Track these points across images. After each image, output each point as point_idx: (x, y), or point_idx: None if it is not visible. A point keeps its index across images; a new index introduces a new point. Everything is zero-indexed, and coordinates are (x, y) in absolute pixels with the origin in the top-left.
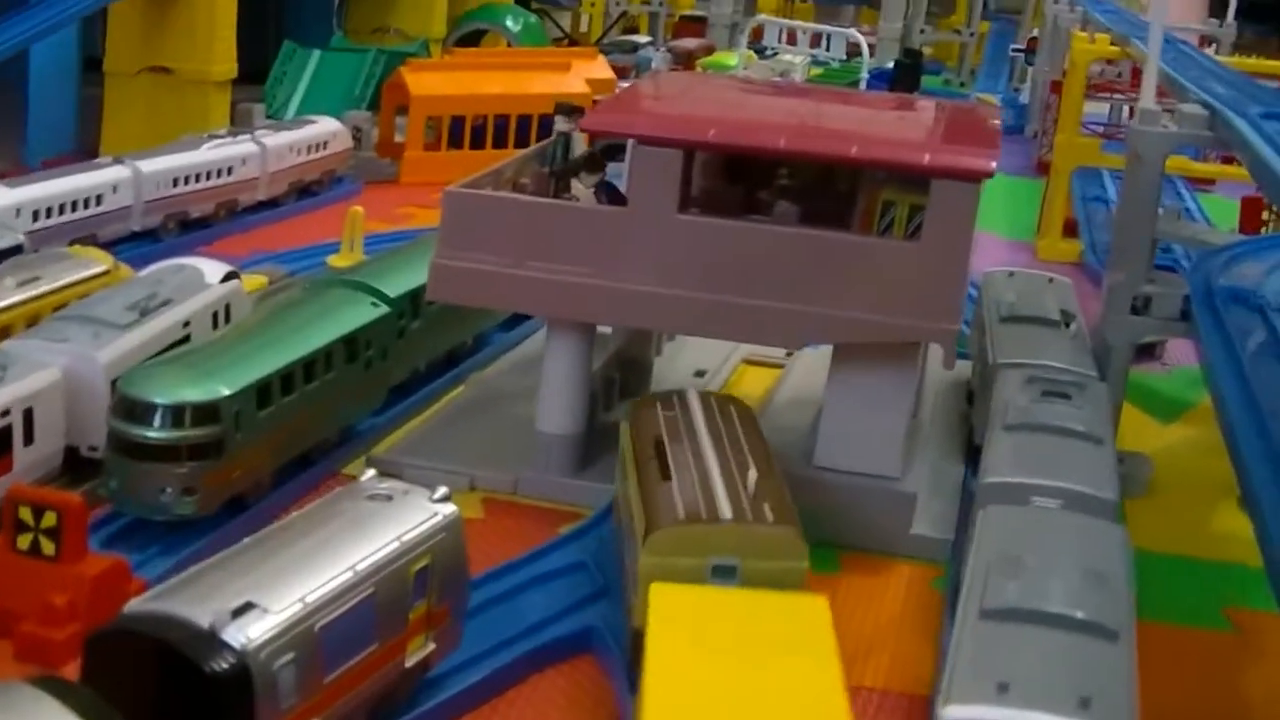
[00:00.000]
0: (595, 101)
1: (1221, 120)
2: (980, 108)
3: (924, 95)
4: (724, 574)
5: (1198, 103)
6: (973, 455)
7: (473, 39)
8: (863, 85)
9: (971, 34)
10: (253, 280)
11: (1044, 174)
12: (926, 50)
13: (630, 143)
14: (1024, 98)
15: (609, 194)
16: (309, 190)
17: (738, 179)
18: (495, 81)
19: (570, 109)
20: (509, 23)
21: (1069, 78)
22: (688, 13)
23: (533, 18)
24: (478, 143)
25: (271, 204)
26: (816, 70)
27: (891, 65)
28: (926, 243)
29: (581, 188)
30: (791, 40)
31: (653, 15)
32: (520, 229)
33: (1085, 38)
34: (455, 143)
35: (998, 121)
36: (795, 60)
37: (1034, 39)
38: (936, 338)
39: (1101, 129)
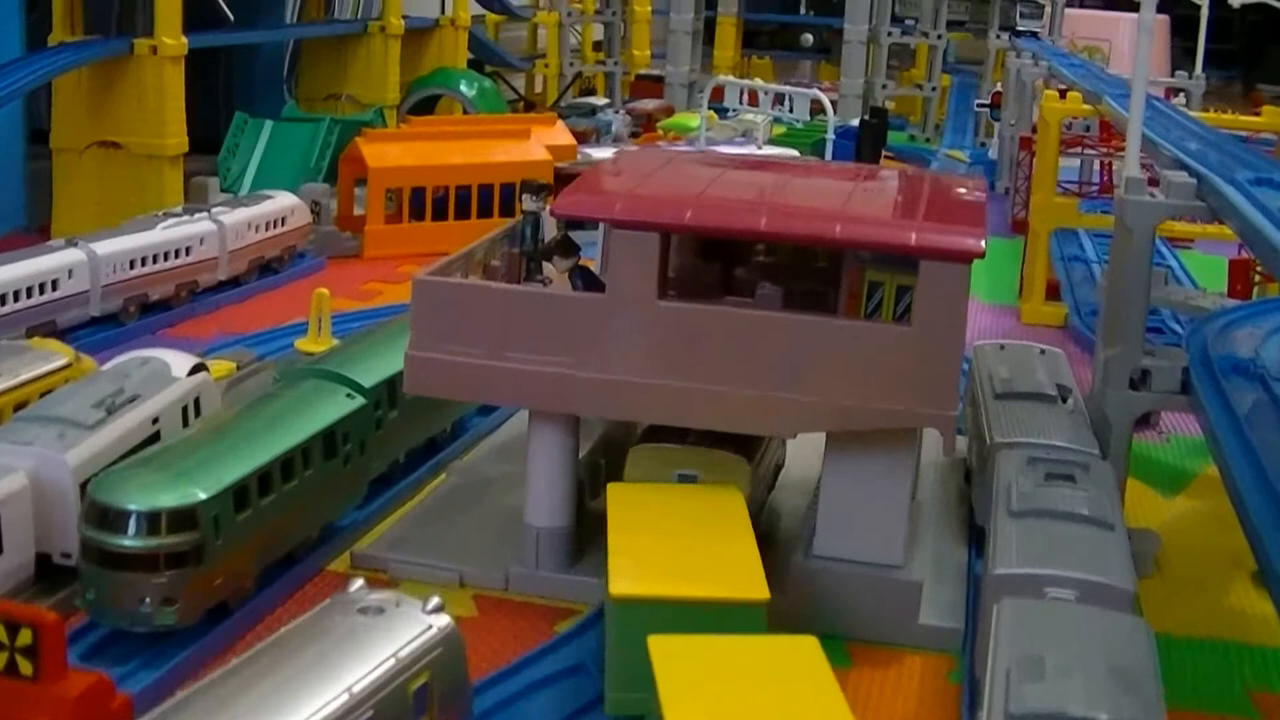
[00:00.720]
0: (558, 170)
1: (1210, 188)
2: (962, 179)
3: (894, 153)
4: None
5: (1183, 169)
6: (975, 537)
7: (427, 105)
8: (829, 146)
9: (934, 88)
10: (220, 366)
11: (1020, 232)
12: (889, 105)
13: (604, 227)
14: (992, 153)
15: (584, 279)
16: (270, 268)
17: (714, 256)
18: (454, 151)
19: (538, 187)
20: (464, 88)
21: (1041, 137)
22: (644, 72)
23: (487, 82)
24: (440, 214)
25: (233, 283)
26: (780, 129)
27: (857, 123)
28: (918, 326)
29: (555, 272)
30: (753, 101)
31: (609, 75)
32: (495, 318)
33: (1055, 95)
34: (417, 214)
35: (983, 193)
36: (758, 119)
37: (998, 93)
38: (933, 423)
39: (1075, 187)
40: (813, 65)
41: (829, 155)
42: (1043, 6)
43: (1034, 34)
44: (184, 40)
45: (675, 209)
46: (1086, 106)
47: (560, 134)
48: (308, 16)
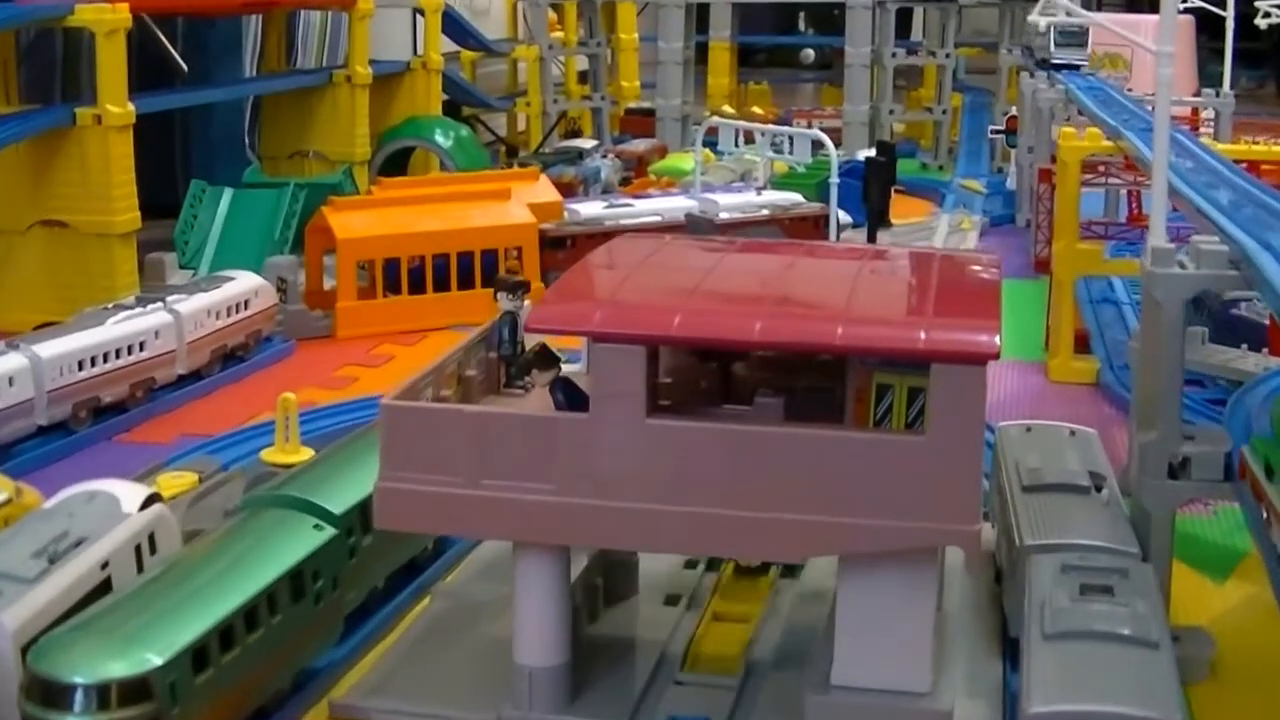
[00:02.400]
0: (544, 234)
1: (1244, 255)
2: (973, 257)
3: (904, 186)
4: None
5: (1208, 220)
6: (1010, 648)
7: (400, 158)
8: (833, 189)
9: (945, 111)
10: (181, 479)
11: (1043, 272)
12: (898, 128)
13: (586, 341)
14: (1010, 182)
15: (566, 394)
16: (234, 357)
17: (709, 355)
18: (429, 216)
19: (514, 284)
20: (439, 138)
21: (1061, 178)
22: (634, 105)
23: (464, 130)
24: (417, 286)
25: (194, 377)
26: (782, 165)
27: (863, 157)
28: (932, 435)
29: (535, 387)
30: (750, 142)
31: (595, 111)
32: (470, 443)
33: (1073, 133)
34: (392, 287)
35: (997, 271)
36: (757, 159)
37: (1012, 117)
38: (954, 541)
39: (1103, 230)
40: (815, 89)
41: (833, 199)
42: (1085, 33)
43: (1076, 67)
44: (130, 108)
45: (661, 317)
46: (1109, 144)
47: (544, 190)
48: (267, 67)
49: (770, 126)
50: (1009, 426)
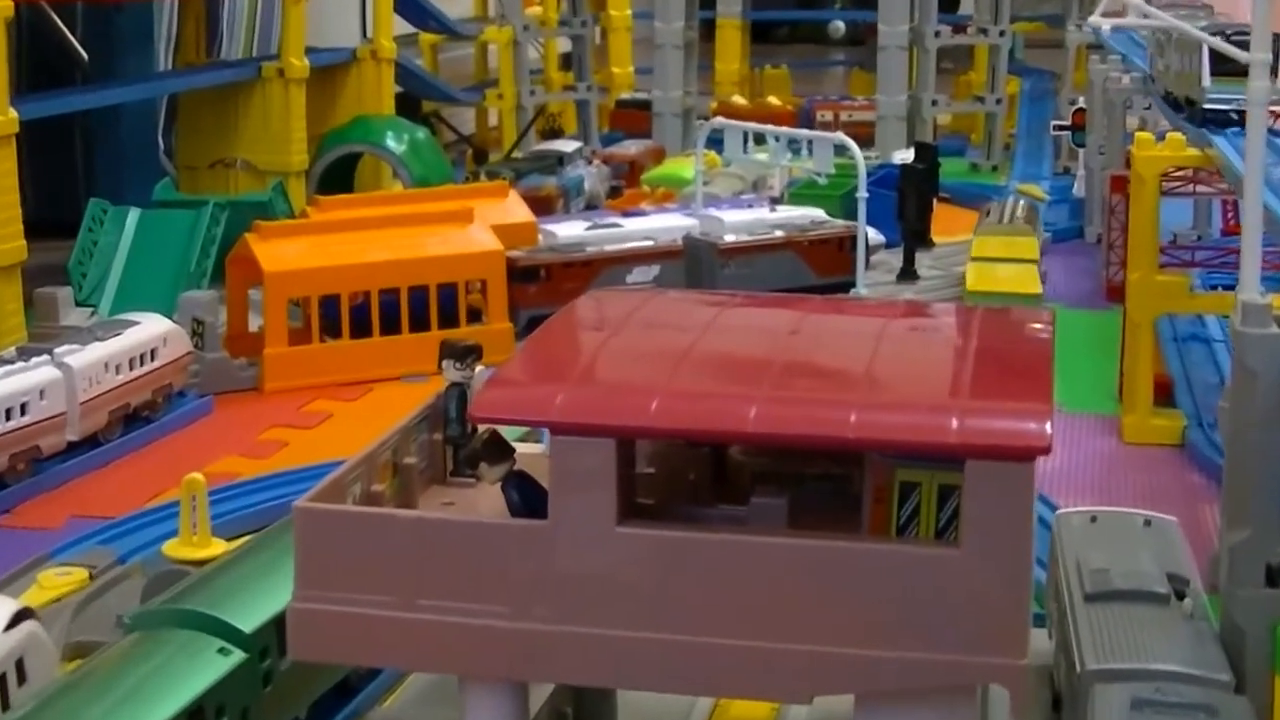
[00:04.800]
0: (512, 263)
1: None
2: (1023, 313)
3: (949, 194)
4: None
5: None
6: None
7: (345, 167)
8: (861, 205)
9: (998, 100)
10: (69, 575)
11: (1116, 300)
12: (943, 121)
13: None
14: (1078, 188)
15: (522, 494)
16: (138, 418)
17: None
18: (375, 244)
19: (463, 350)
20: (390, 143)
21: (1136, 195)
22: (626, 96)
23: (421, 132)
24: (361, 329)
25: (89, 444)
26: (798, 165)
27: (898, 161)
28: (967, 547)
29: (486, 482)
30: (760, 143)
31: (580, 104)
32: (405, 555)
33: (1149, 139)
34: (331, 330)
35: (1049, 332)
36: (772, 165)
37: (1080, 111)
38: (996, 678)
39: (1190, 254)
40: (845, 74)
41: (861, 217)
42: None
43: (1237, 119)
44: (12, 114)
45: (636, 403)
46: (1193, 153)
47: (514, 209)
48: (184, 60)
49: (784, 129)
50: (1070, 515)
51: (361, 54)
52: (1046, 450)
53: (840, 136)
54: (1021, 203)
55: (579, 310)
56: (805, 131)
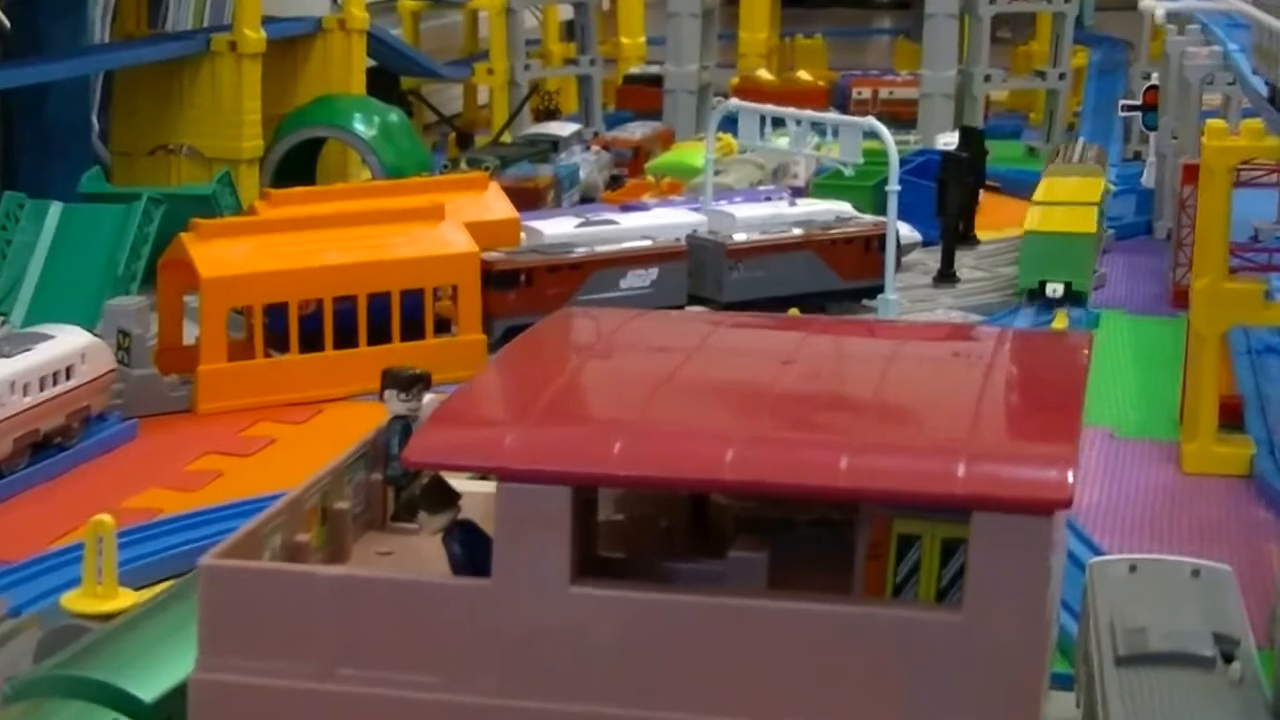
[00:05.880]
0: (488, 267)
1: None
2: (1054, 337)
3: (1000, 182)
4: None
5: None
6: None
7: (307, 154)
8: (892, 199)
9: (1061, 76)
10: None
11: (1184, 306)
12: (998, 99)
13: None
14: (1147, 178)
15: (466, 547)
16: (49, 446)
17: None
18: (330, 244)
19: (408, 379)
20: (358, 126)
21: (1205, 189)
22: (636, 71)
23: (394, 114)
24: (312, 342)
25: None
26: (822, 148)
27: (940, 151)
28: (971, 612)
29: (427, 532)
30: (779, 125)
31: (583, 80)
32: (326, 618)
33: (1222, 128)
34: (277, 344)
35: (1083, 358)
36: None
37: (1152, 89)
38: None
39: (1266, 256)
40: (890, 42)
41: (891, 212)
42: None
43: None
44: None
45: (596, 446)
46: (1273, 140)
47: (493, 203)
48: (122, 32)
49: (807, 112)
50: (1106, 564)
51: (328, 24)
52: (1067, 503)
53: (870, 121)
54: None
55: (544, 332)
56: (831, 115)
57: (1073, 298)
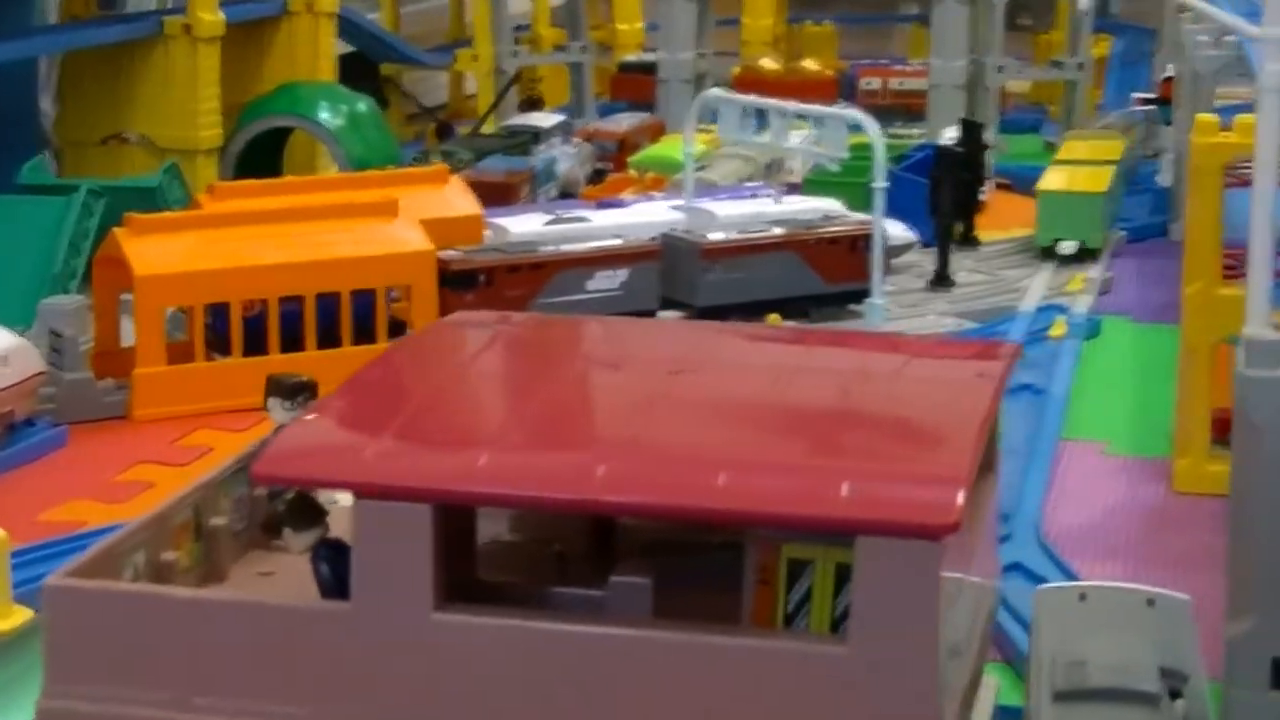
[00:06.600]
0: (444, 267)
1: None
2: (972, 350)
3: (1009, 178)
4: None
5: None
6: None
7: (273, 147)
8: (877, 196)
9: (1080, 66)
10: None
11: None
12: (1020, 90)
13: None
14: (1163, 177)
15: (334, 568)
16: None
17: None
18: (276, 241)
19: (293, 387)
20: (323, 115)
21: (1195, 188)
22: (632, 59)
23: (363, 103)
24: (256, 345)
25: None
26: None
27: (945, 144)
28: (857, 644)
29: (292, 552)
30: (762, 117)
31: (573, 67)
32: (181, 643)
33: (1212, 123)
34: (218, 347)
35: (996, 377)
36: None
37: (1168, 81)
38: None
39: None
40: (908, 33)
41: (877, 209)
42: None
43: None
44: None
45: (459, 462)
46: None
47: (455, 199)
48: (70, 13)
49: (790, 104)
50: (1053, 591)
51: (295, 6)
52: (954, 527)
53: (854, 114)
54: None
55: (428, 338)
56: (815, 107)
57: (1086, 254)
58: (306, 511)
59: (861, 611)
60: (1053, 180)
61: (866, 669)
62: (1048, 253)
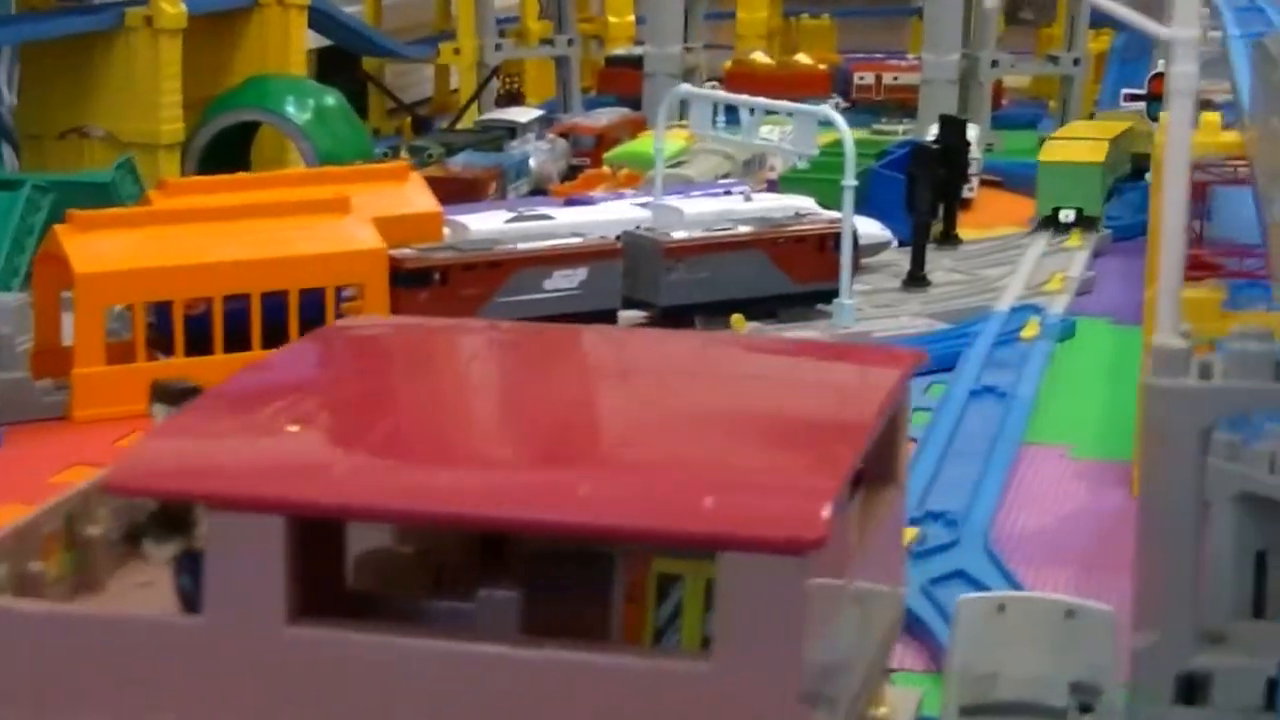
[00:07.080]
0: (396, 266)
1: None
2: (870, 357)
3: (1001, 176)
4: None
5: None
6: None
7: (242, 142)
8: (847, 194)
9: (1077, 61)
10: None
11: None
12: (1020, 85)
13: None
14: (1150, 175)
15: (195, 578)
16: None
17: None
18: (222, 238)
19: (178, 392)
20: (290, 110)
21: (1158, 188)
22: (621, 53)
23: (331, 97)
24: (199, 344)
25: None
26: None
27: (923, 141)
28: (721, 660)
29: (154, 563)
30: (732, 113)
31: (559, 61)
32: (29, 659)
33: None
34: (161, 346)
35: (889, 386)
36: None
37: (1158, 77)
38: None
39: (1238, 260)
40: (911, 27)
41: (847, 207)
42: None
43: None
44: None
45: (311, 473)
46: (1231, 136)
47: (414, 196)
48: (28, 3)
49: (760, 99)
50: (972, 603)
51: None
52: (818, 543)
53: (825, 110)
54: None
55: (302, 347)
56: (784, 103)
57: (1085, 223)
58: (169, 521)
59: (725, 628)
60: (1053, 152)
61: (731, 687)
62: (1048, 221)
